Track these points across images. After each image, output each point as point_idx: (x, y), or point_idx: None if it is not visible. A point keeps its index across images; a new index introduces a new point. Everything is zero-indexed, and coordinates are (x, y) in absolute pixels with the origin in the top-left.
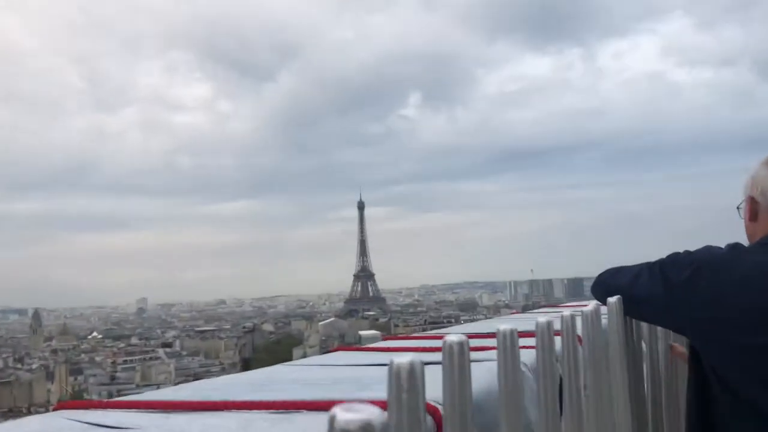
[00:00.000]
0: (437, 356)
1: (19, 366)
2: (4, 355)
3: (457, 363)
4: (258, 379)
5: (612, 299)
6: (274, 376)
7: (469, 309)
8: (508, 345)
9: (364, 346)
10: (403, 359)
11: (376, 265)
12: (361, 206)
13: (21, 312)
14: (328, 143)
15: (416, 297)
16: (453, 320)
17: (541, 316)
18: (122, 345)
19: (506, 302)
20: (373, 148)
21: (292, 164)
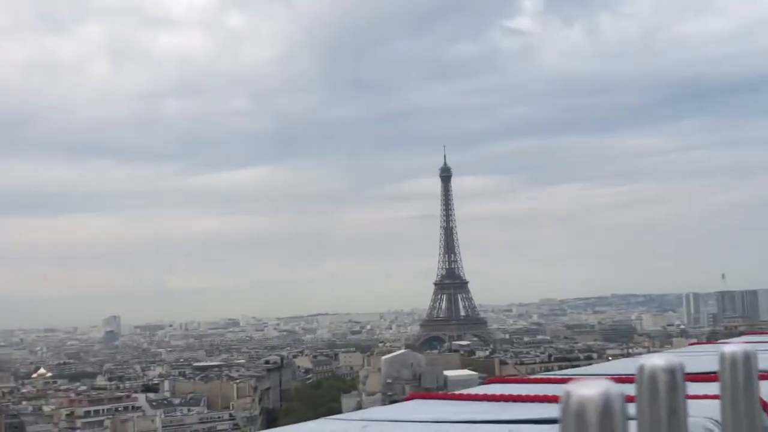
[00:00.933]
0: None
1: None
2: None
3: (666, 406)
4: None
5: None
6: None
7: (620, 337)
8: (740, 387)
9: (452, 394)
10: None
11: (469, 267)
12: (445, 175)
13: None
14: (392, 76)
15: (535, 318)
16: (595, 355)
17: None
18: (83, 388)
19: (681, 326)
20: (464, 83)
21: (336, 110)
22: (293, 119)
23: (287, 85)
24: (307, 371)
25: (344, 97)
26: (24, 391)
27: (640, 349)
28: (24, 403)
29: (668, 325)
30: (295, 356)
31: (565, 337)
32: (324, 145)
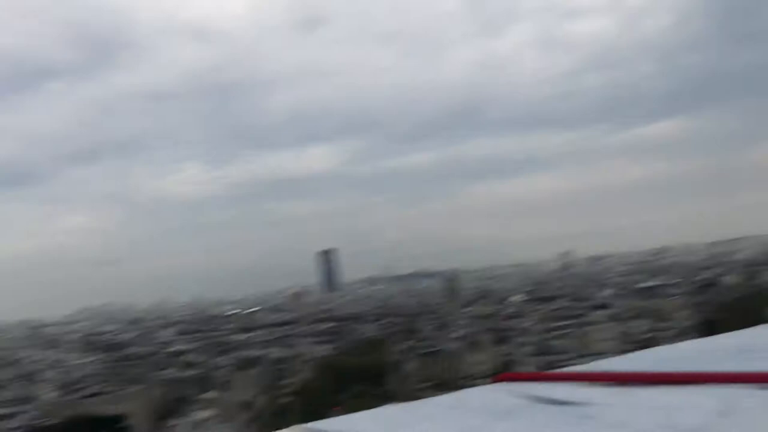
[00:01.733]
0: None
1: (439, 335)
2: (428, 325)
3: None
4: (736, 345)
5: None
6: (759, 341)
7: None
8: None
9: None
10: None
11: None
12: None
13: (432, 276)
14: None
15: None
16: None
17: None
18: (549, 308)
19: None
20: None
21: (731, 61)
22: (693, 74)
23: (686, 45)
24: (735, 287)
25: (739, 47)
26: (505, 312)
27: None
28: (506, 321)
29: None
30: (722, 275)
31: None
32: (723, 95)
